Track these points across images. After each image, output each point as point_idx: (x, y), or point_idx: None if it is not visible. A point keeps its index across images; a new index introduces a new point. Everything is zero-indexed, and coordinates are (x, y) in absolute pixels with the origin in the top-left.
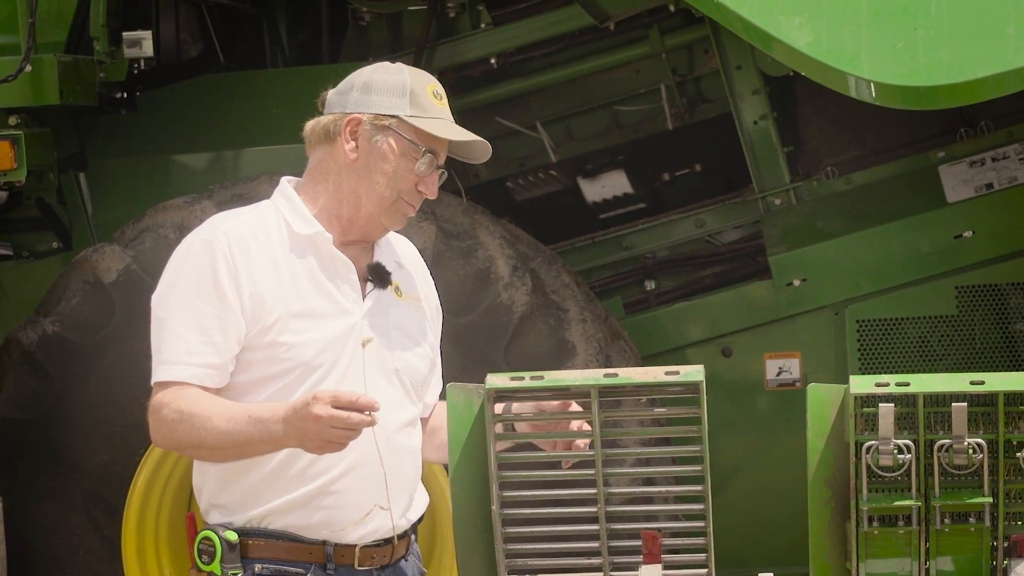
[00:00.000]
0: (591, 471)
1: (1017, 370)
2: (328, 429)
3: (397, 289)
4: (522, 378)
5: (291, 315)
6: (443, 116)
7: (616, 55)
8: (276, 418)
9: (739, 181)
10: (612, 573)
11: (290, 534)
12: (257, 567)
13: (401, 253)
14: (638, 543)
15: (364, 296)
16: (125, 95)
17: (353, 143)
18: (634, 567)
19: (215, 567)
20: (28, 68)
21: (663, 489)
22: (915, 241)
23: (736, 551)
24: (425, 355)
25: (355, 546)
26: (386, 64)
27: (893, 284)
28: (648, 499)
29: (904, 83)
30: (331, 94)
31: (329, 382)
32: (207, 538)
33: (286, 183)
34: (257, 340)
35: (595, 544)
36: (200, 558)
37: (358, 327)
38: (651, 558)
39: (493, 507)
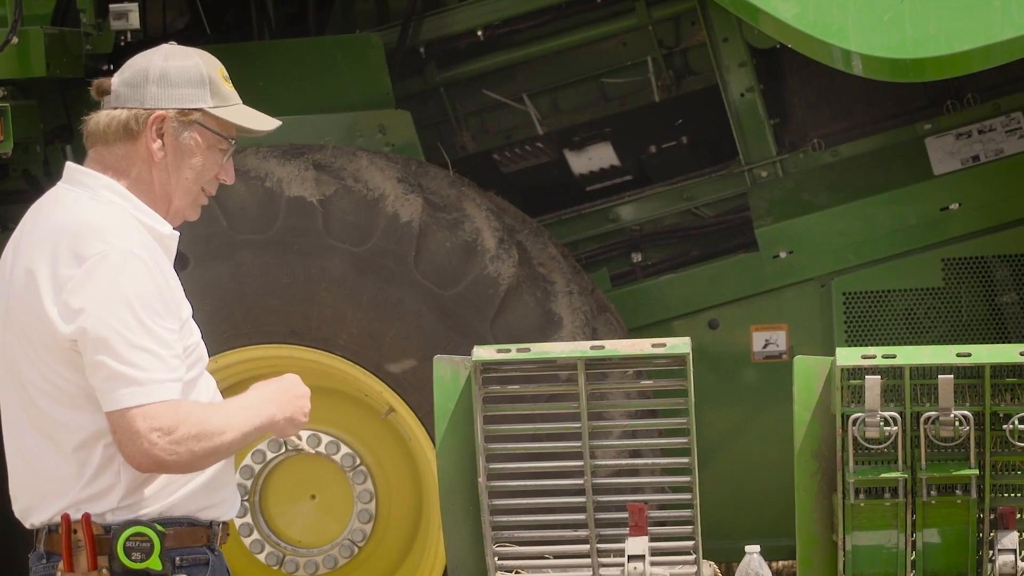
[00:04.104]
0: (577, 443)
1: (1003, 342)
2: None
3: None
4: (508, 350)
5: (187, 315)
6: (238, 101)
7: (603, 27)
8: (262, 400)
9: (726, 153)
10: (599, 545)
11: (190, 518)
12: (177, 559)
13: None
14: (624, 515)
15: None
16: (112, 67)
17: (160, 141)
18: (620, 539)
19: (153, 562)
20: (15, 40)
21: (649, 461)
22: (902, 213)
23: (722, 523)
24: None
25: (225, 523)
26: (174, 49)
27: (880, 256)
28: (634, 471)
29: (891, 55)
30: (119, 85)
31: (207, 375)
32: (140, 534)
33: (111, 181)
34: None
35: (581, 516)
36: (128, 556)
37: None
38: (637, 530)
39: (480, 479)
